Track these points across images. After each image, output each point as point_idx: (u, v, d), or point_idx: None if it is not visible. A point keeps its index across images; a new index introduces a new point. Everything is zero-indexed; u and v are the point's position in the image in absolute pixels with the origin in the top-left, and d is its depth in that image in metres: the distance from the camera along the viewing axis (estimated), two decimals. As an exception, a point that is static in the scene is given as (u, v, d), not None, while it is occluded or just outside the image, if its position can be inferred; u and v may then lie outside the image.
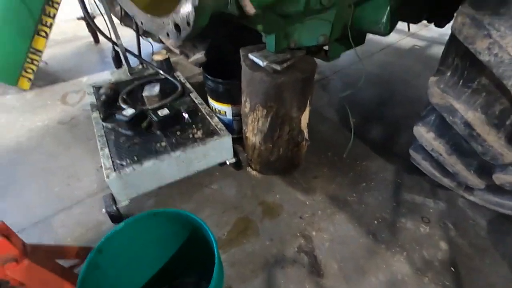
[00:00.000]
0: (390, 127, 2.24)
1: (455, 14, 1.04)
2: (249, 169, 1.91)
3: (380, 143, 2.09)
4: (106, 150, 1.61)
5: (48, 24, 2.37)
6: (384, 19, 1.22)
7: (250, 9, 0.80)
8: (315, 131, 2.13)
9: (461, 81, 1.11)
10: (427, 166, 1.54)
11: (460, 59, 1.11)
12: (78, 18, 3.38)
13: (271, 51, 1.43)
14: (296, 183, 1.81)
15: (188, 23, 0.80)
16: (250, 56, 1.48)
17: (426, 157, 1.51)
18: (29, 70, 2.50)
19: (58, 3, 2.37)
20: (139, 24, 1.10)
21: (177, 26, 0.86)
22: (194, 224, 1.05)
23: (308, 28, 1.32)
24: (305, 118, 1.66)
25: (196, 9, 0.76)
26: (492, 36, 0.92)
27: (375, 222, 1.58)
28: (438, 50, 3.29)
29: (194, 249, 1.17)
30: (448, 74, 1.15)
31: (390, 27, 1.27)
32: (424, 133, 1.37)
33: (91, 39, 3.49)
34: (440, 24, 1.64)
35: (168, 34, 0.92)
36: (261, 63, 1.41)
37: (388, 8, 1.21)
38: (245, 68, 1.49)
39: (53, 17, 2.37)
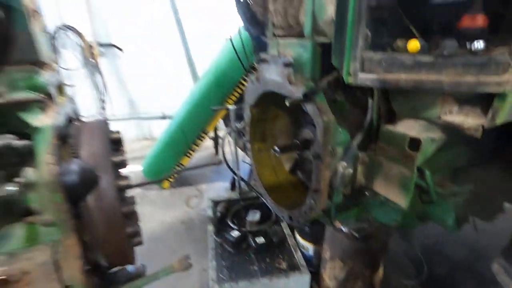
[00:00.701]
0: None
1: None
2: (321, 307, 2.12)
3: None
4: (214, 262, 2.14)
5: (195, 149, 3.42)
6: (450, 222, 1.51)
7: (338, 225, 1.27)
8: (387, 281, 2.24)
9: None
10: None
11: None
12: (210, 137, 4.60)
13: (352, 218, 1.83)
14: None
15: (298, 221, 1.31)
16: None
17: None
18: (173, 176, 3.52)
19: (207, 134, 3.44)
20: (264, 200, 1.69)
21: (290, 218, 1.38)
22: None
23: (384, 210, 1.70)
24: (378, 276, 1.88)
25: (298, 223, 1.27)
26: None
27: None
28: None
29: None
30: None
31: (458, 226, 1.54)
32: None
33: (214, 150, 4.61)
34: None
35: (283, 216, 1.45)
36: (343, 228, 1.81)
37: (454, 213, 1.51)
38: (329, 227, 1.91)
39: (199, 145, 3.42)
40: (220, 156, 4.41)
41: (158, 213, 3.18)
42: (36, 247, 0.73)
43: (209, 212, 2.70)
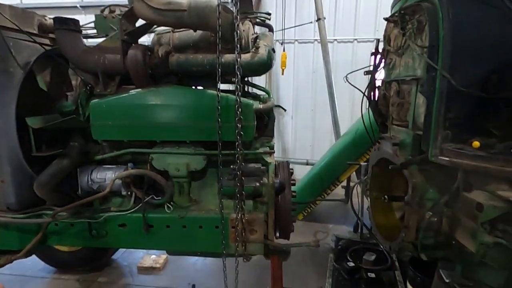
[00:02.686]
0: None
1: None
2: None
3: None
4: (330, 281, 2.78)
5: (328, 193, 4.22)
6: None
7: (423, 257, 1.74)
8: None
9: None
10: None
11: None
12: (343, 186, 5.27)
13: (458, 274, 2.09)
14: None
15: (392, 252, 1.88)
16: (441, 271, 2.21)
17: None
18: (307, 211, 4.40)
19: (340, 183, 4.19)
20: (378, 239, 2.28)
21: (390, 249, 1.95)
22: None
23: (489, 272, 1.92)
24: None
25: (394, 252, 1.82)
26: None
27: None
28: None
29: None
30: None
31: None
32: None
33: (344, 198, 5.22)
34: None
35: (385, 248, 2.02)
36: (446, 279, 2.11)
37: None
38: (436, 276, 2.21)
39: (332, 190, 4.20)
40: (349, 203, 4.97)
41: (291, 237, 4.08)
42: (258, 212, 1.77)
43: (332, 245, 3.37)
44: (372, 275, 2.72)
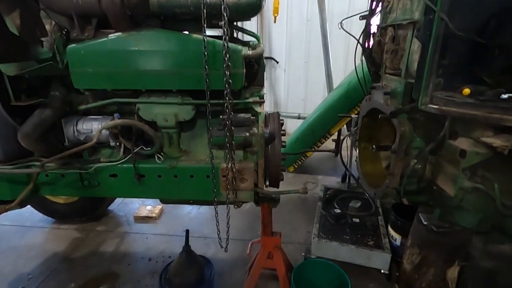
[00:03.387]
0: None
1: None
2: (397, 286, 2.59)
3: None
4: (318, 225, 2.96)
5: (319, 146, 4.29)
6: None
7: (405, 202, 1.84)
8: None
9: None
10: None
11: None
12: (333, 139, 5.35)
13: (436, 217, 2.24)
14: (430, 318, 2.29)
15: (376, 197, 1.97)
16: (420, 214, 2.36)
17: None
18: (298, 163, 4.51)
19: (331, 136, 4.25)
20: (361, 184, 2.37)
21: (374, 195, 2.04)
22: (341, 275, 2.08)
23: (463, 214, 2.07)
24: (452, 274, 2.22)
25: (378, 197, 1.91)
26: None
27: None
28: None
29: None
30: None
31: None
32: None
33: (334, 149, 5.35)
34: None
35: (370, 194, 2.12)
36: (424, 221, 2.26)
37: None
38: (416, 219, 2.37)
39: (322, 143, 4.27)
40: (338, 156, 5.09)
41: (282, 187, 4.24)
42: (248, 161, 1.79)
43: (321, 194, 3.52)
44: (357, 220, 2.90)
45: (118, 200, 3.84)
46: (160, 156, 1.82)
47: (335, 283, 2.17)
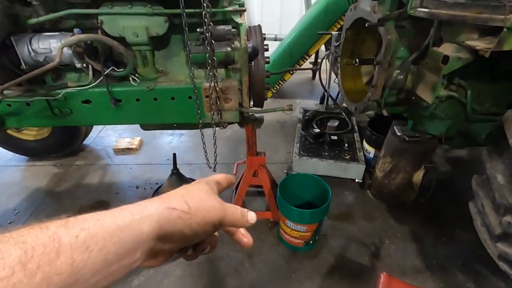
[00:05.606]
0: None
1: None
2: (368, 191, 2.90)
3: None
4: (298, 145, 3.08)
5: (296, 67, 4.18)
6: (483, 136, 1.96)
7: (385, 113, 1.92)
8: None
9: None
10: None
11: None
12: (310, 62, 5.22)
13: (409, 128, 2.40)
14: (392, 210, 2.65)
15: (357, 111, 2.03)
16: (395, 126, 2.51)
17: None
18: (276, 88, 4.44)
19: (309, 56, 4.12)
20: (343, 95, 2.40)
21: (355, 110, 2.10)
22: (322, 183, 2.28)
23: (434, 123, 2.22)
24: (417, 176, 2.49)
25: (359, 111, 1.97)
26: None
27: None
28: None
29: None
30: None
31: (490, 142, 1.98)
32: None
33: (311, 75, 5.28)
34: None
35: (350, 109, 2.18)
36: (398, 132, 2.42)
37: (489, 130, 1.95)
38: (390, 131, 2.53)
39: (301, 65, 4.15)
40: (316, 78, 5.06)
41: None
42: (232, 79, 1.71)
43: (300, 116, 3.58)
44: (335, 138, 3.05)
45: (92, 134, 3.70)
46: (135, 78, 1.68)
47: (316, 192, 2.37)
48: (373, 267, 2.23)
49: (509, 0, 1.23)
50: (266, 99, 1.88)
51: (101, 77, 1.61)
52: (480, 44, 1.38)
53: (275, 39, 5.18)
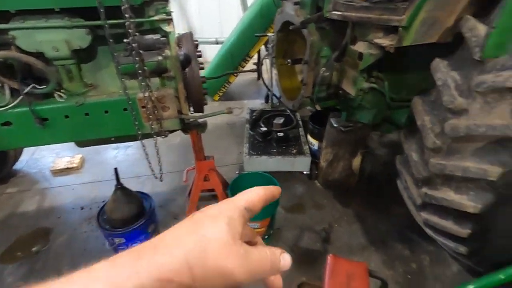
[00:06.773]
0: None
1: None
2: (316, 181, 3.09)
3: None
4: (247, 145, 3.16)
5: (239, 70, 4.26)
6: (403, 120, 2.23)
7: (318, 107, 2.08)
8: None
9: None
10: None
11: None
12: (254, 63, 5.35)
13: (343, 119, 2.62)
14: (338, 196, 2.87)
15: (293, 108, 2.16)
16: (331, 119, 2.71)
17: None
18: (222, 91, 4.48)
19: (251, 58, 4.22)
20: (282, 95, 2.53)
21: (294, 106, 2.23)
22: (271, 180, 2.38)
23: (363, 113, 2.45)
24: (356, 162, 2.73)
25: (295, 108, 2.10)
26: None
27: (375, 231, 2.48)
28: None
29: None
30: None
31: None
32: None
33: (256, 75, 5.41)
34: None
35: (288, 108, 2.30)
36: (334, 124, 2.62)
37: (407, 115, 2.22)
38: (328, 124, 2.72)
39: (243, 67, 4.25)
40: (261, 77, 5.20)
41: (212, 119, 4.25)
42: (167, 87, 1.70)
43: (247, 116, 3.67)
44: (281, 134, 3.19)
45: (24, 157, 3.37)
46: (61, 94, 1.59)
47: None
48: (325, 251, 2.39)
49: (402, 4, 1.43)
50: (205, 104, 1.91)
51: (21, 97, 1.49)
52: (385, 41, 1.57)
53: (217, 42, 5.22)
